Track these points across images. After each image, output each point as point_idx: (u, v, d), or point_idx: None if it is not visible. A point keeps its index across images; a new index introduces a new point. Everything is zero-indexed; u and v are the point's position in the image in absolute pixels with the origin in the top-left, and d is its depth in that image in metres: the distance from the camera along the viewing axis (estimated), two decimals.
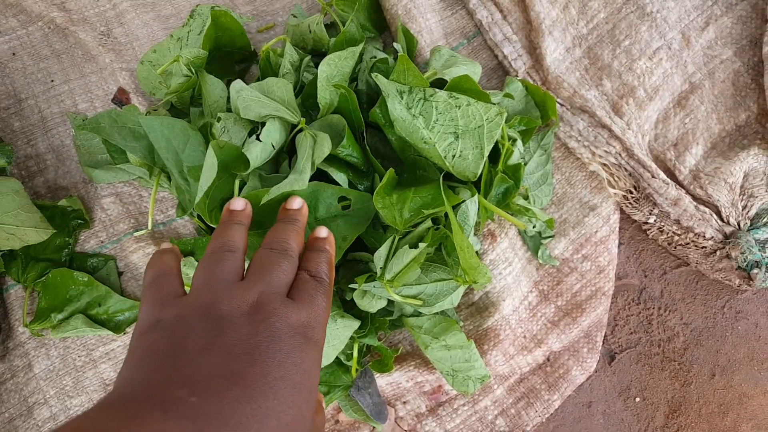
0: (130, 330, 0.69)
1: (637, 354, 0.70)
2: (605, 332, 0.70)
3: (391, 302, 0.63)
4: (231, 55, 0.72)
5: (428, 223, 0.58)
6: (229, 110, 0.64)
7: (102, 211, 0.71)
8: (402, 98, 0.57)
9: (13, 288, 0.70)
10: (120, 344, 0.69)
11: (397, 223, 0.55)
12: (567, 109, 0.73)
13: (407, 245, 0.56)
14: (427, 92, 0.56)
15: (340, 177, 0.60)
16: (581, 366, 0.69)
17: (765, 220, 0.71)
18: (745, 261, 0.69)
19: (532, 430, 0.67)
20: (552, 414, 0.68)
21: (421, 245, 0.56)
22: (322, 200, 0.58)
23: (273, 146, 0.60)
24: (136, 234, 0.69)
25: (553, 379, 0.68)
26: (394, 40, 0.74)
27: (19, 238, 0.65)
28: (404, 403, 0.67)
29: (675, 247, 0.72)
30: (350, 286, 0.60)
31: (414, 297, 0.60)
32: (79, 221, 0.71)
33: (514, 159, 0.64)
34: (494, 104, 0.58)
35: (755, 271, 0.69)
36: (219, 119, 0.60)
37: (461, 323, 0.68)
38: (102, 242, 0.71)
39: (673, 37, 0.76)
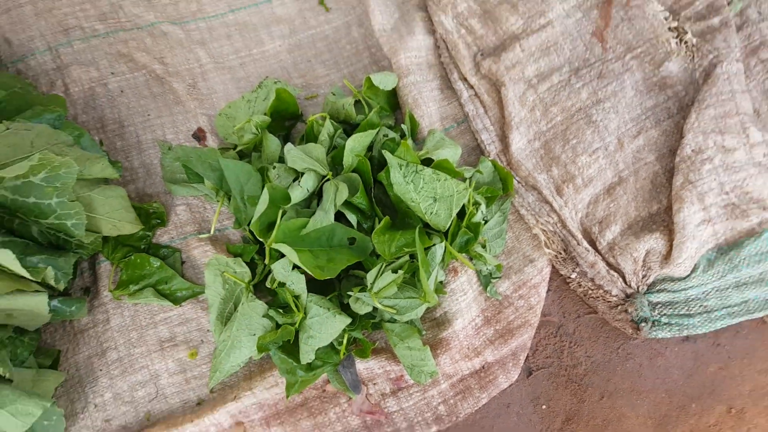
0: (185, 304, 0.94)
1: (549, 373, 0.95)
2: (527, 353, 0.95)
3: (375, 310, 0.89)
4: (284, 117, 0.99)
5: (407, 257, 0.84)
6: (280, 160, 0.91)
7: (175, 215, 0.98)
8: (401, 169, 0.83)
9: (103, 263, 0.97)
10: (176, 314, 0.95)
11: (386, 254, 0.81)
12: (522, 185, 0.99)
13: (391, 270, 0.82)
14: (418, 168, 0.83)
15: (352, 218, 0.86)
16: (506, 376, 0.94)
17: (658, 287, 0.96)
18: (637, 316, 0.94)
19: (463, 417, 0.92)
20: (479, 408, 0.92)
21: (400, 272, 0.81)
22: (337, 235, 0.84)
23: (308, 190, 0.86)
24: (201, 236, 0.95)
25: (484, 382, 0.93)
26: (404, 118, 1.01)
27: (118, 228, 0.91)
28: (374, 384, 0.93)
29: (588, 299, 0.97)
30: (348, 293, 0.86)
31: (391, 307, 0.85)
32: (158, 221, 0.97)
33: (477, 218, 0.90)
34: (464, 180, 0.84)
35: (643, 324, 0.94)
36: (274, 167, 0.87)
37: (424, 332, 0.93)
38: (172, 238, 0.97)
39: (611, 141, 1.02)
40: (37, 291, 0.84)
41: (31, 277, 0.79)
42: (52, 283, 0.84)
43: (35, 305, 0.83)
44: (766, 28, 1.09)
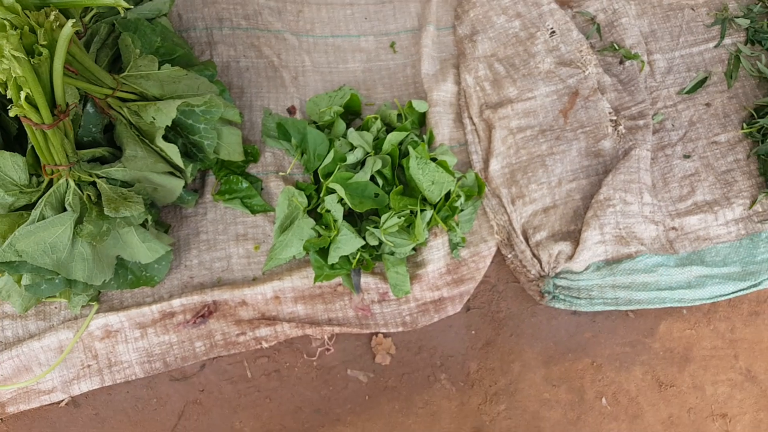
0: (258, 215, 1.43)
1: (481, 312, 1.44)
2: (469, 297, 1.44)
3: (380, 244, 1.38)
4: (350, 112, 1.50)
5: (408, 213, 1.34)
6: (344, 137, 1.42)
7: (263, 158, 1.48)
8: (416, 159, 1.34)
9: (210, 176, 1.46)
10: (250, 219, 1.43)
11: (396, 207, 1.32)
12: (491, 193, 1.51)
13: (396, 217, 1.32)
14: (428, 162, 1.34)
15: (380, 181, 1.36)
16: (453, 307, 1.42)
17: (561, 275, 1.46)
18: (544, 290, 1.44)
19: (420, 327, 1.40)
20: (431, 324, 1.41)
21: (402, 218, 1.32)
22: (368, 188, 1.34)
23: (357, 158, 1.37)
24: (279, 174, 1.45)
25: (438, 308, 1.42)
26: (426, 132, 1.52)
27: (229, 155, 1.40)
28: (368, 293, 1.41)
29: (515, 272, 1.47)
30: (366, 227, 1.36)
31: (391, 242, 1.35)
32: (252, 158, 1.47)
33: (456, 204, 1.41)
34: (454, 176, 1.35)
35: (547, 295, 1.43)
36: (339, 140, 1.38)
37: (407, 267, 1.43)
38: (258, 171, 1.47)
39: (554, 180, 1.54)
40: (176, 177, 1.33)
41: (183, 167, 1.28)
42: (187, 176, 1.33)
43: (174, 186, 1.31)
44: (674, 136, 1.63)
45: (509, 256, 1.48)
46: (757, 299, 1.56)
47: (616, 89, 1.62)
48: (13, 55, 0.80)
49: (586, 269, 1.45)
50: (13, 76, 0.84)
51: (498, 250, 1.50)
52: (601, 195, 1.49)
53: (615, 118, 1.59)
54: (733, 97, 1.66)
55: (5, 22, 0.86)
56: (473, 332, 1.43)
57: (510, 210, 1.50)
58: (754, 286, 1.49)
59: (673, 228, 1.53)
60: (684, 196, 1.57)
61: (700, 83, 1.67)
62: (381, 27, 1.67)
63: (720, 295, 1.47)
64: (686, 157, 1.60)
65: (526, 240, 1.48)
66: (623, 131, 1.58)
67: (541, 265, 1.45)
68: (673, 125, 1.64)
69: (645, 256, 1.47)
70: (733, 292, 1.48)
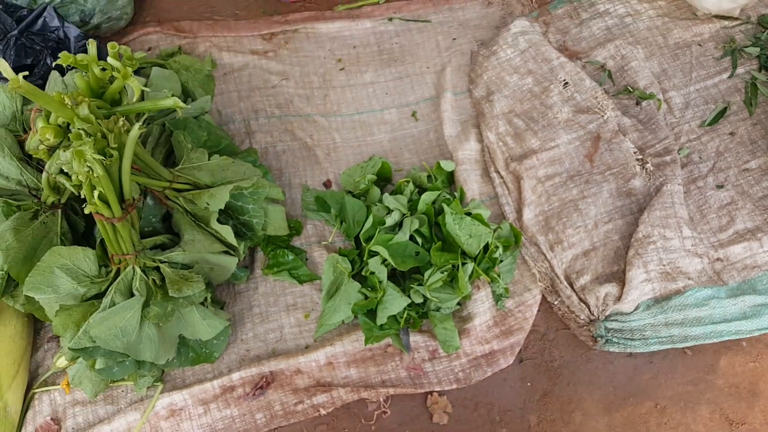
0: (305, 285, 1.49)
1: (534, 363, 1.43)
2: (521, 348, 1.44)
3: (425, 301, 1.42)
4: (382, 179, 1.59)
5: (450, 267, 1.38)
6: (379, 202, 1.49)
7: (305, 230, 1.56)
8: (452, 215, 1.40)
9: (258, 252, 1.54)
10: (298, 290, 1.49)
11: (437, 263, 1.36)
12: (528, 242, 1.54)
13: (438, 272, 1.36)
14: (463, 216, 1.40)
15: (419, 240, 1.42)
16: (505, 360, 1.43)
17: (611, 318, 1.45)
18: (596, 334, 1.43)
19: (474, 383, 1.40)
20: (485, 378, 1.41)
21: (445, 273, 1.36)
22: (409, 248, 1.40)
23: (395, 220, 1.44)
24: (321, 243, 1.53)
25: (490, 362, 1.42)
26: (456, 189, 1.59)
27: (275, 230, 1.48)
28: (418, 352, 1.43)
29: (564, 319, 1.47)
30: (410, 286, 1.40)
31: (436, 298, 1.38)
32: (295, 231, 1.56)
33: (495, 255, 1.44)
34: (490, 228, 1.40)
35: (599, 340, 1.42)
36: (375, 205, 1.46)
37: (454, 322, 1.45)
38: (302, 243, 1.55)
39: (590, 222, 1.56)
40: (230, 255, 1.41)
41: (236, 245, 1.37)
42: (240, 253, 1.41)
43: (229, 264, 1.39)
44: (704, 168, 1.65)
45: (556, 302, 1.49)
46: None
47: (637, 129, 1.67)
48: (94, 158, 0.91)
49: (636, 309, 1.45)
50: (89, 178, 0.95)
51: (544, 298, 1.51)
52: (639, 233, 1.50)
53: (641, 156, 1.63)
54: (757, 124, 1.69)
55: (81, 131, 0.99)
56: (529, 384, 1.42)
57: (550, 256, 1.52)
58: None
59: (719, 259, 1.52)
60: (724, 226, 1.57)
61: (721, 114, 1.70)
62: (401, 99, 1.79)
63: None
64: (719, 187, 1.62)
65: (571, 285, 1.49)
66: (651, 168, 1.61)
67: (589, 309, 1.45)
68: (700, 157, 1.67)
69: (694, 290, 1.46)
70: None
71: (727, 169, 1.64)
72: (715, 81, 1.76)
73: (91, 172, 0.94)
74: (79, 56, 1.03)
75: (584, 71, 1.75)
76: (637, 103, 1.72)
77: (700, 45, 1.81)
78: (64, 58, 1.00)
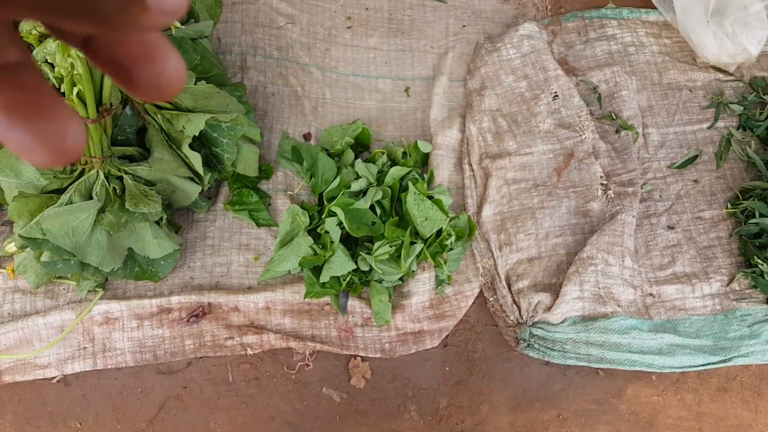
0: (262, 228, 1.53)
1: (457, 350, 1.52)
2: (448, 333, 1.52)
3: (370, 270, 1.47)
4: (360, 144, 1.62)
5: (400, 243, 1.44)
6: (351, 166, 1.53)
7: (275, 176, 1.59)
8: (414, 195, 1.45)
9: (224, 186, 1.57)
10: (255, 231, 1.54)
11: (389, 236, 1.42)
12: (480, 236, 1.61)
13: (388, 246, 1.42)
14: (424, 199, 1.45)
15: (378, 211, 1.47)
16: (431, 341, 1.50)
17: (538, 325, 1.53)
18: (520, 337, 1.51)
19: (397, 356, 1.48)
20: (408, 354, 1.49)
21: (393, 248, 1.41)
22: (366, 216, 1.45)
23: (360, 187, 1.48)
24: (287, 192, 1.57)
25: (417, 340, 1.50)
26: (428, 172, 1.64)
27: (245, 170, 1.51)
28: (352, 315, 1.50)
29: (495, 316, 1.55)
30: (359, 252, 1.45)
31: (380, 269, 1.44)
32: (265, 175, 1.59)
33: (446, 242, 1.51)
34: (447, 215, 1.45)
35: (522, 342, 1.51)
36: (346, 168, 1.49)
37: (392, 296, 1.51)
38: (268, 188, 1.58)
39: (541, 232, 1.63)
40: (194, 182, 1.44)
41: (202, 175, 1.39)
42: (205, 183, 1.44)
43: (191, 191, 1.42)
44: (661, 207, 1.73)
45: (491, 299, 1.56)
46: (726, 375, 1.61)
47: (609, 155, 1.73)
48: (78, 55, 0.93)
49: (562, 322, 1.53)
50: (72, 73, 0.96)
51: (481, 293, 1.58)
52: (584, 253, 1.58)
53: (606, 182, 1.70)
54: (721, 177, 1.77)
55: None
56: (447, 368, 1.51)
57: (497, 255, 1.59)
58: (724, 361, 1.56)
59: (651, 294, 1.62)
60: (664, 265, 1.65)
61: (691, 160, 1.78)
62: (399, 72, 1.81)
63: (690, 366, 1.54)
64: (670, 228, 1.70)
65: (509, 286, 1.57)
66: (612, 195, 1.68)
67: (520, 312, 1.53)
68: (660, 196, 1.75)
69: (620, 318, 1.55)
70: (702, 365, 1.55)
71: (682, 213, 1.72)
72: (695, 128, 1.82)
73: (72, 68, 0.95)
74: None
75: (576, 89, 1.80)
76: (617, 131, 1.78)
77: (690, 91, 1.87)
78: None
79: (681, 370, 1.55)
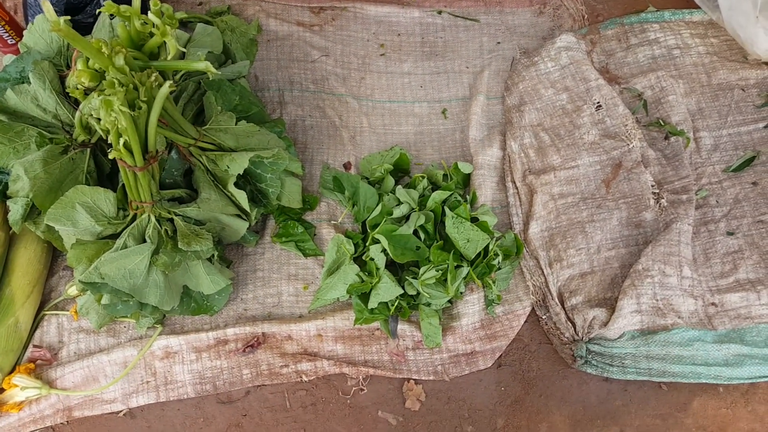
0: (309, 258, 1.56)
1: (512, 370, 1.49)
2: (501, 353, 1.49)
3: (417, 294, 1.47)
4: (400, 170, 1.64)
5: (446, 266, 1.43)
6: (392, 192, 1.54)
7: (318, 206, 1.62)
8: (452, 220, 1.44)
9: (270, 220, 1.61)
10: (302, 261, 1.56)
11: (435, 260, 1.41)
12: (529, 254, 1.58)
13: (434, 270, 1.41)
14: (463, 221, 1.44)
15: (422, 235, 1.47)
16: (484, 362, 1.48)
17: (594, 341, 1.48)
18: (577, 354, 1.47)
19: (450, 378, 1.46)
20: (462, 376, 1.47)
21: (439, 272, 1.41)
22: (410, 241, 1.45)
23: (402, 213, 1.49)
24: (331, 222, 1.59)
25: (469, 361, 1.48)
26: (470, 192, 1.63)
27: (290, 203, 1.55)
28: (403, 339, 1.49)
29: (549, 334, 1.52)
30: (405, 278, 1.45)
31: (427, 293, 1.44)
32: (309, 206, 1.62)
33: (493, 262, 1.49)
34: (492, 237, 1.44)
35: (579, 360, 1.47)
36: (387, 195, 1.50)
37: (441, 318, 1.50)
38: (313, 219, 1.61)
39: (593, 246, 1.59)
40: (242, 219, 1.48)
41: (249, 211, 1.43)
42: (252, 219, 1.48)
43: (239, 227, 1.46)
44: (718, 213, 1.65)
45: (544, 317, 1.53)
46: None
47: (659, 163, 1.67)
48: (121, 110, 0.98)
49: (620, 337, 1.48)
50: (117, 126, 1.02)
51: (533, 311, 1.55)
52: (639, 265, 1.52)
53: (658, 191, 1.64)
54: None
55: (115, 80, 1.05)
56: (503, 389, 1.48)
57: (547, 272, 1.55)
58: None
59: (713, 304, 1.54)
60: (726, 273, 1.58)
61: (748, 162, 1.69)
62: (434, 95, 1.82)
63: (760, 377, 1.45)
64: (730, 233, 1.62)
65: (562, 303, 1.53)
66: (665, 204, 1.62)
67: (575, 328, 1.49)
68: (717, 201, 1.67)
69: (681, 329, 1.48)
70: None
71: (742, 217, 1.64)
72: (750, 128, 1.74)
73: (116, 122, 1.00)
74: (123, 7, 1.09)
75: (620, 97, 1.75)
76: (666, 138, 1.72)
77: (743, 90, 1.79)
78: (107, 6, 1.06)
79: (750, 380, 1.46)
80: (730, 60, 1.83)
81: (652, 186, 1.64)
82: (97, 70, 1.09)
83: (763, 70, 1.80)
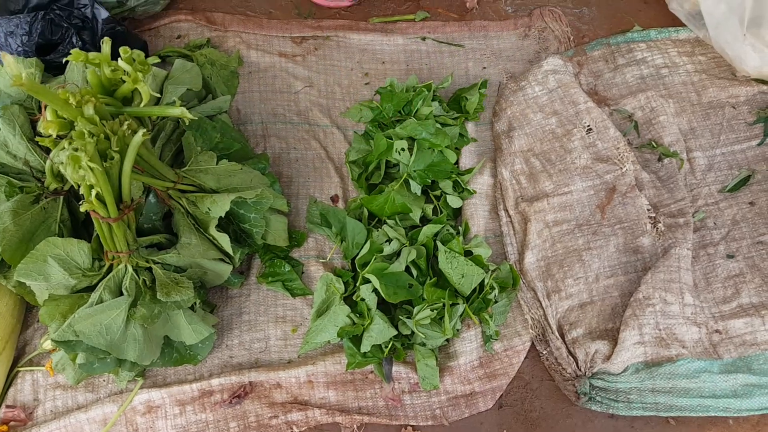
0: (297, 298, 1.49)
1: (513, 410, 1.42)
2: (502, 393, 1.43)
3: (412, 334, 1.41)
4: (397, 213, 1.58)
5: (441, 305, 1.37)
6: (379, 228, 1.48)
7: (306, 243, 1.56)
8: (444, 254, 1.38)
9: (256, 259, 1.55)
10: (290, 302, 1.50)
11: (428, 300, 1.35)
12: (525, 286, 1.52)
13: (429, 309, 1.35)
14: (456, 256, 1.38)
15: (414, 272, 1.41)
16: (485, 403, 1.41)
17: (598, 376, 1.43)
18: (580, 390, 1.41)
19: (450, 422, 1.39)
20: (461, 419, 1.40)
21: (434, 311, 1.35)
22: (402, 279, 1.39)
23: (393, 249, 1.43)
24: (319, 260, 1.53)
25: (469, 402, 1.41)
26: (462, 223, 1.57)
27: (275, 241, 1.49)
28: (399, 382, 1.43)
29: (550, 370, 1.45)
30: (399, 317, 1.39)
31: (423, 333, 1.37)
32: (296, 243, 1.55)
33: (489, 296, 1.43)
34: (488, 271, 1.38)
35: (582, 396, 1.40)
36: (377, 230, 1.44)
37: (438, 359, 1.44)
38: (300, 256, 1.55)
39: (591, 275, 1.53)
40: (225, 262, 1.42)
41: (232, 254, 1.37)
42: (236, 261, 1.42)
43: (223, 271, 1.39)
44: (717, 235, 1.61)
45: (544, 352, 1.47)
46: None
47: (654, 186, 1.63)
48: (89, 166, 0.92)
49: (624, 371, 1.42)
50: (87, 183, 0.96)
51: (533, 346, 1.49)
52: (640, 294, 1.47)
53: (654, 215, 1.59)
54: None
55: (84, 130, 0.99)
56: (505, 431, 1.41)
57: (545, 304, 1.50)
58: None
59: (717, 331, 1.49)
60: (728, 298, 1.53)
61: (744, 181, 1.66)
62: None
63: None
64: (730, 256, 1.58)
65: (562, 336, 1.47)
66: (663, 229, 1.57)
67: (577, 363, 1.43)
68: (715, 224, 1.63)
69: (687, 360, 1.43)
70: None
71: (741, 239, 1.60)
72: (743, 147, 1.71)
73: (85, 178, 0.94)
74: (92, 54, 1.03)
75: (610, 119, 1.72)
76: (659, 159, 1.68)
77: (733, 107, 1.76)
78: (75, 55, 1.01)
79: (761, 412, 1.41)
80: (719, 77, 1.80)
81: (648, 210, 1.60)
82: (65, 119, 1.03)
83: (753, 87, 1.78)
